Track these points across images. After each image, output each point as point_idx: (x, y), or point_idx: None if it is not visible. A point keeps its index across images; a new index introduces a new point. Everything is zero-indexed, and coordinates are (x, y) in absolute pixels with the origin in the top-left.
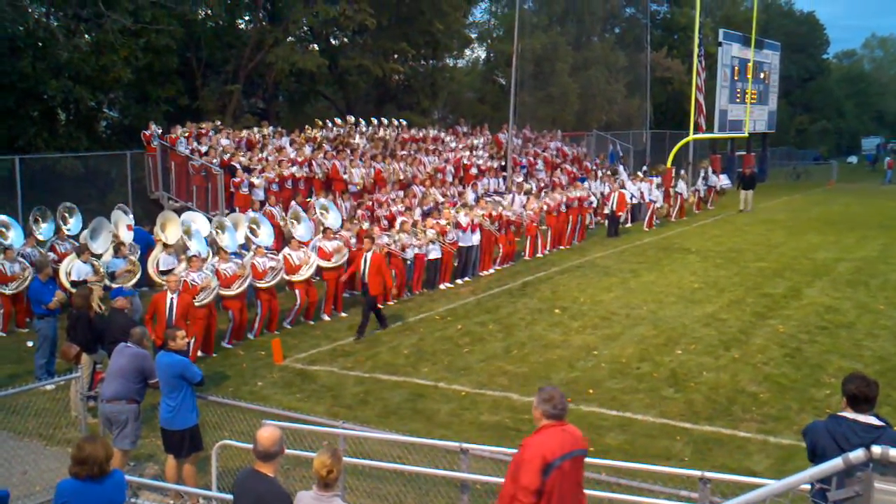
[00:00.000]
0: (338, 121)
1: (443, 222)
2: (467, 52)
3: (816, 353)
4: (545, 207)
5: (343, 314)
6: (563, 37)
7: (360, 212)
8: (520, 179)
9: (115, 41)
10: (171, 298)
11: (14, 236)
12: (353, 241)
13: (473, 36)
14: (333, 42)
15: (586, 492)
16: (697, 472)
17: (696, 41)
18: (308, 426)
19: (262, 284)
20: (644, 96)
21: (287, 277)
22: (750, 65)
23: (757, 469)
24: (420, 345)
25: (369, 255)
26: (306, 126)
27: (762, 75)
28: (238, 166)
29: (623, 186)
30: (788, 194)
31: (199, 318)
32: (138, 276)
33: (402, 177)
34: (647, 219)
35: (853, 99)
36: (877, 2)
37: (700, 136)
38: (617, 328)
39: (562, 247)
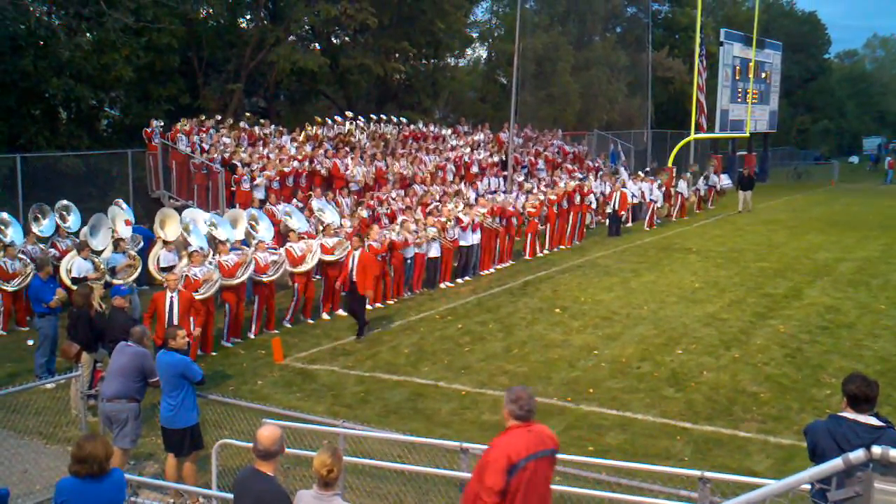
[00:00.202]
0: (338, 118)
1: (443, 220)
2: (469, 51)
3: (817, 354)
4: (543, 199)
5: (342, 313)
6: (564, 36)
7: (360, 209)
8: (521, 178)
9: (116, 40)
10: (171, 297)
11: (13, 233)
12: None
13: (475, 35)
14: (335, 41)
15: (587, 492)
16: (697, 472)
17: (698, 41)
18: (308, 425)
19: (264, 278)
20: (645, 96)
21: (291, 269)
22: (751, 64)
23: (757, 469)
24: (420, 344)
25: (357, 253)
26: (306, 123)
27: (763, 75)
28: (239, 164)
29: (624, 186)
30: (789, 194)
31: (202, 313)
32: (139, 270)
33: (403, 174)
34: (647, 218)
35: (854, 99)
36: (878, 2)
37: (701, 135)
38: (617, 328)
39: (562, 246)
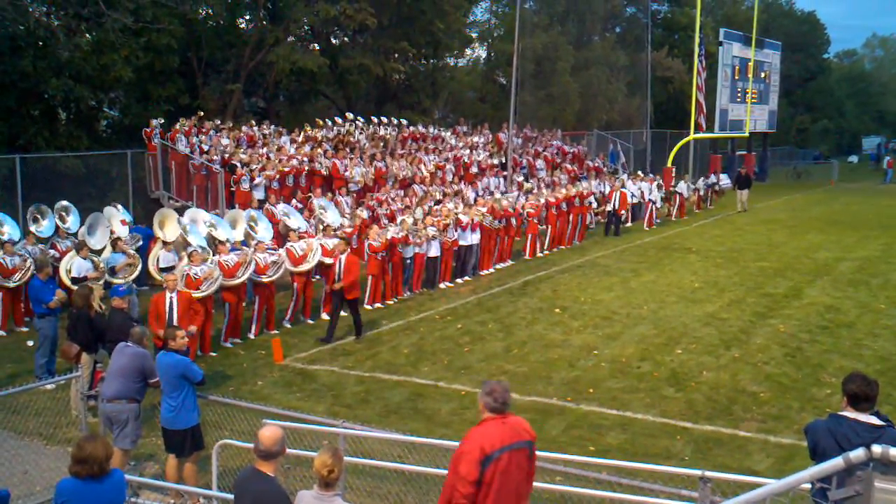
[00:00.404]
0: (338, 119)
1: (442, 219)
2: (468, 51)
3: (817, 353)
4: (543, 201)
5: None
6: (563, 36)
7: (360, 210)
8: (520, 178)
9: (115, 40)
10: (171, 297)
11: (10, 231)
12: (354, 239)
13: (474, 35)
14: (334, 41)
15: (588, 491)
16: (698, 472)
17: (697, 41)
18: (308, 425)
19: (264, 279)
20: (645, 96)
21: (292, 269)
22: (751, 64)
23: (757, 468)
24: (420, 344)
25: (343, 256)
26: (306, 124)
27: (763, 75)
28: (238, 164)
29: (623, 186)
30: (789, 194)
31: (200, 314)
32: (139, 268)
33: (402, 175)
34: (646, 218)
35: (854, 98)
36: (878, 1)
37: (701, 135)
38: (617, 327)
39: (562, 246)
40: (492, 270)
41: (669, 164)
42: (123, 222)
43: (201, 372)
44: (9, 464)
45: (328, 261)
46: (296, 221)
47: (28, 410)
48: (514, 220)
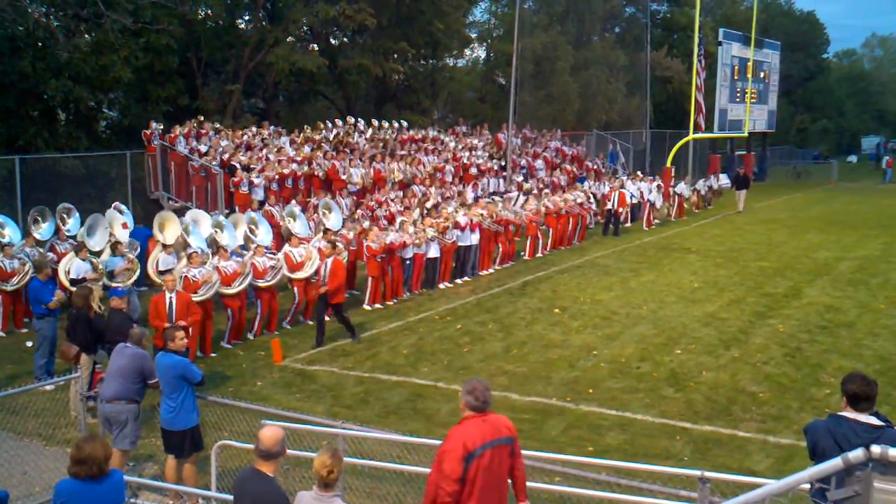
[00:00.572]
0: (338, 121)
1: (442, 221)
2: (467, 51)
3: (817, 353)
4: (543, 210)
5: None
6: (563, 36)
7: (360, 212)
8: (520, 179)
9: (115, 41)
10: (170, 298)
11: (11, 233)
12: (353, 241)
13: (473, 35)
14: (333, 42)
15: (587, 492)
16: (697, 472)
17: (696, 40)
18: (308, 426)
19: (262, 283)
20: (644, 96)
21: (289, 275)
22: (750, 64)
23: (757, 469)
24: (420, 344)
25: (329, 260)
26: (305, 126)
27: (762, 74)
28: (237, 166)
29: (623, 186)
30: (788, 193)
31: (198, 316)
32: (137, 273)
33: (401, 177)
34: (645, 218)
35: (853, 98)
36: (877, 1)
37: (700, 135)
38: (617, 328)
39: (562, 247)
40: (491, 271)
41: (669, 165)
42: (125, 226)
43: (200, 373)
44: (8, 464)
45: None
46: (299, 226)
47: (27, 411)
48: (513, 228)
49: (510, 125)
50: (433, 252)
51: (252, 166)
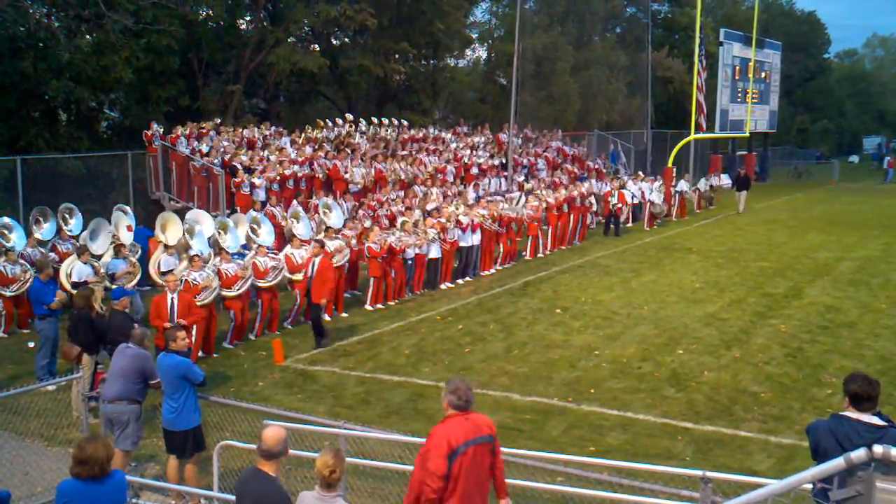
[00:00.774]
0: (338, 120)
1: (443, 220)
2: (468, 52)
3: (818, 353)
4: (545, 205)
5: (344, 314)
6: (563, 36)
7: (361, 212)
8: (521, 179)
9: (116, 42)
10: (172, 298)
11: (16, 238)
12: (354, 241)
13: (474, 36)
14: (334, 42)
15: (588, 492)
16: (699, 472)
17: (697, 41)
18: (309, 426)
19: (263, 284)
20: (645, 96)
21: (290, 276)
22: (751, 64)
23: (758, 469)
24: (421, 345)
25: (317, 260)
26: (307, 126)
27: (763, 75)
28: (239, 166)
29: (624, 186)
30: (789, 194)
31: (198, 316)
32: (138, 276)
33: (402, 176)
34: (646, 218)
35: (854, 98)
36: (878, 1)
37: (701, 135)
38: (618, 328)
39: (563, 247)
40: (492, 271)
41: (670, 165)
42: (130, 228)
43: (202, 373)
44: (10, 465)
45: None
46: (302, 228)
47: (29, 412)
48: (515, 226)
49: (511, 125)
50: (434, 252)
51: (253, 167)
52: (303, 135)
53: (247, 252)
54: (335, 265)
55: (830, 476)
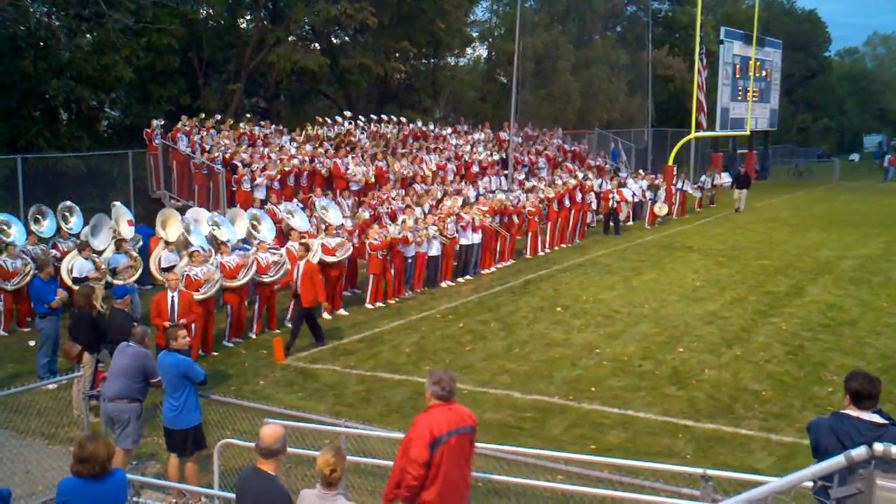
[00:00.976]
0: (338, 118)
1: (443, 215)
2: (469, 50)
3: (819, 351)
4: (545, 196)
5: (344, 312)
6: (564, 35)
7: (360, 209)
8: (521, 177)
9: (116, 41)
10: (172, 297)
11: (16, 232)
12: (356, 237)
13: (475, 34)
14: (335, 41)
15: (589, 490)
16: (699, 470)
17: (698, 39)
18: (310, 425)
19: (265, 279)
20: (646, 94)
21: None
22: (751, 63)
23: (759, 467)
24: (422, 343)
25: (303, 263)
26: (307, 124)
27: (764, 73)
28: (239, 164)
29: (624, 184)
30: (790, 192)
31: (197, 315)
32: (140, 271)
33: (403, 174)
34: (647, 217)
35: (855, 97)
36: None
37: (702, 134)
38: (619, 326)
39: (563, 245)
40: (493, 269)
41: (671, 163)
42: (130, 223)
43: (203, 372)
44: (10, 463)
45: (329, 258)
46: (299, 221)
47: (30, 410)
48: (515, 218)
49: (512, 124)
50: (435, 250)
51: (254, 166)
52: (303, 133)
53: (247, 247)
54: (337, 259)
55: (831, 474)
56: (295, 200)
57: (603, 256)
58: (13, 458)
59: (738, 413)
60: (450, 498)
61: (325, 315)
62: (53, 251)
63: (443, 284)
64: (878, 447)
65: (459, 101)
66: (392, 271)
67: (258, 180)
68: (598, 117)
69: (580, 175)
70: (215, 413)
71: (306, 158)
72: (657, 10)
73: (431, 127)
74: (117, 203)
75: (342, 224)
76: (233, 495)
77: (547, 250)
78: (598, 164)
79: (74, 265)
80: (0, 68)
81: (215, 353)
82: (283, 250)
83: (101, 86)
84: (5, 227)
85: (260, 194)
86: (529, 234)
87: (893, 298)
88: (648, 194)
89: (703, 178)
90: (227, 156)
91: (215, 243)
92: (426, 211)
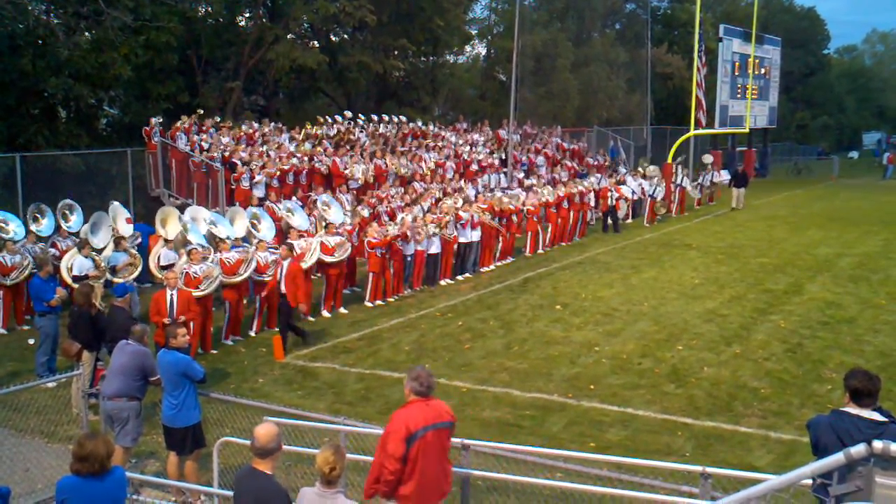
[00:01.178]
0: (338, 118)
1: (443, 215)
2: (468, 48)
3: (818, 349)
4: (545, 200)
5: (343, 310)
6: (563, 33)
7: (360, 208)
8: (520, 175)
9: (115, 38)
10: (171, 295)
11: (15, 228)
12: (356, 236)
13: (474, 32)
14: (333, 39)
15: (588, 488)
16: (699, 468)
17: (697, 37)
18: (310, 423)
19: (265, 277)
20: (645, 92)
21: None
22: (750, 60)
23: (758, 464)
24: (421, 341)
25: (286, 263)
26: (307, 123)
27: (763, 71)
28: (238, 163)
29: (623, 182)
30: (789, 190)
31: (196, 313)
32: (140, 268)
33: (402, 172)
34: (647, 214)
35: (854, 94)
36: None
37: (701, 131)
38: (618, 324)
39: (562, 243)
40: (492, 267)
41: (670, 161)
42: (129, 220)
43: (202, 370)
44: (10, 462)
45: (328, 258)
46: (298, 219)
47: (29, 408)
48: (514, 218)
49: (511, 122)
50: (434, 248)
51: (253, 164)
52: (303, 131)
53: (246, 246)
54: (336, 259)
55: (830, 471)
56: (294, 199)
57: (602, 254)
58: (12, 457)
59: (737, 411)
60: (428, 492)
61: (325, 313)
62: (52, 250)
63: (442, 282)
64: (878, 445)
65: (458, 99)
66: (391, 269)
67: (257, 178)
68: (597, 115)
69: (584, 184)
70: (214, 411)
71: (305, 158)
72: (656, 7)
73: (431, 127)
74: (115, 202)
75: (343, 223)
76: (231, 493)
77: (546, 248)
78: (597, 162)
79: (74, 263)
80: None
81: (214, 352)
82: (282, 249)
83: (100, 84)
84: (3, 224)
85: (259, 192)
86: (529, 232)
87: (892, 296)
88: (648, 190)
89: (702, 175)
90: (226, 154)
91: (214, 241)
92: (425, 209)
